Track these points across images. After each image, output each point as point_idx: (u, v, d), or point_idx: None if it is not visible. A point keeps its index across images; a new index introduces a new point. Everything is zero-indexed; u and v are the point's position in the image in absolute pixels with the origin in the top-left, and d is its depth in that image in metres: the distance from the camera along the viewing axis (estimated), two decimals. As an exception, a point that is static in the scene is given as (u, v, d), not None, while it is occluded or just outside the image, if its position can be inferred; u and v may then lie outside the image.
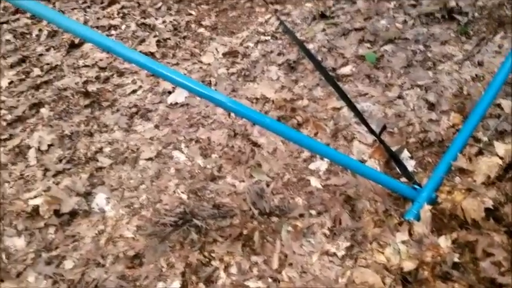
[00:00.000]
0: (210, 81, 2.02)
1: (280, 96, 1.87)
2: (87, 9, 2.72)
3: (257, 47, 2.19)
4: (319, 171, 1.55)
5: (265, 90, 1.91)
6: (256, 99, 1.90)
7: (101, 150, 1.75)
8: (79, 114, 1.94)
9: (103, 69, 2.18)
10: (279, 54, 2.12)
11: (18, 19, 2.71)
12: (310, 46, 2.08)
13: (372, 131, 1.53)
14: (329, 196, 1.46)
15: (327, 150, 1.40)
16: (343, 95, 1.63)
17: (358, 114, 1.59)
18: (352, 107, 1.62)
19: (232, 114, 1.84)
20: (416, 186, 1.41)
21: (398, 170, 1.46)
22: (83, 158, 1.72)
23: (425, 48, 1.96)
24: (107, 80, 2.12)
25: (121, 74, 2.14)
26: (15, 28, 2.62)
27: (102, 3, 2.73)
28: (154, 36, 2.29)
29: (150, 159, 1.70)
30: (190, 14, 2.50)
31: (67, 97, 2.04)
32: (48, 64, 2.28)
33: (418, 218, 1.35)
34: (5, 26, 2.66)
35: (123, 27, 2.49)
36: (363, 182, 1.46)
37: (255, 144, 1.69)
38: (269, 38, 2.23)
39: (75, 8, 2.75)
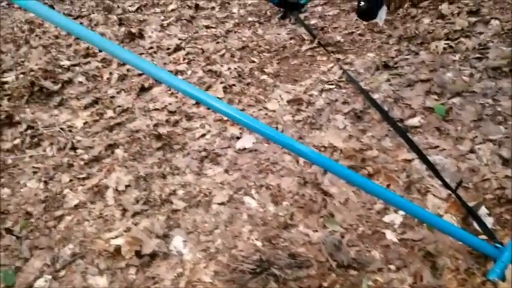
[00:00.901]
0: (277, 127, 2.08)
1: (348, 146, 1.89)
2: (154, 55, 2.88)
3: (321, 95, 2.25)
4: (394, 224, 1.55)
5: (332, 139, 1.95)
6: (324, 147, 1.93)
7: (174, 192, 1.81)
8: (152, 156, 2.02)
9: (172, 112, 2.29)
10: (344, 103, 2.17)
11: (89, 62, 2.90)
12: (375, 96, 2.12)
13: (447, 186, 1.53)
14: (407, 251, 1.45)
15: (405, 202, 1.41)
16: (414, 147, 1.64)
17: (432, 167, 1.60)
18: (424, 159, 1.63)
19: (301, 162, 1.87)
20: (498, 245, 1.39)
21: (477, 227, 1.45)
22: (158, 200, 1.78)
23: (494, 102, 1.96)
24: (176, 123, 2.21)
25: (190, 118, 2.23)
26: (87, 71, 2.79)
27: (168, 49, 2.89)
28: (221, 83, 2.39)
29: (223, 203, 1.74)
30: (253, 62, 2.60)
31: (139, 139, 2.14)
32: (119, 106, 2.41)
33: (502, 278, 1.32)
34: (77, 68, 2.84)
35: (189, 72, 2.61)
36: (441, 238, 1.45)
37: (326, 193, 1.71)
38: (333, 86, 2.29)
39: (142, 53, 2.92)
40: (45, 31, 3.45)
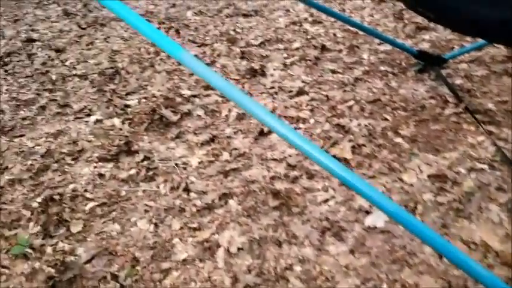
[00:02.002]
0: (416, 207, 1.78)
1: (506, 249, 1.54)
2: (275, 96, 2.74)
3: (470, 175, 1.91)
4: None
5: (485, 235, 1.61)
6: (475, 244, 1.60)
7: (291, 267, 1.60)
8: (267, 215, 1.83)
9: (292, 167, 2.09)
10: (498, 189, 1.81)
11: (209, 95, 2.83)
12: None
13: None
14: None
15: None
16: None
17: None
18: None
19: (445, 258, 1.56)
20: None
21: None
22: (272, 273, 1.57)
23: None
24: (295, 179, 2.01)
25: (311, 176, 2.02)
26: (207, 104, 2.72)
27: (290, 91, 2.73)
28: (349, 141, 2.15)
29: (347, 294, 1.48)
30: (386, 119, 2.34)
31: (255, 192, 1.96)
32: (236, 149, 2.28)
33: None
34: (197, 100, 2.79)
35: (312, 121, 2.42)
36: None
37: (480, 310, 1.38)
38: (485, 166, 1.94)
39: (263, 93, 2.79)
40: (170, 55, 3.49)
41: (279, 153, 2.19)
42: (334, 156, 2.06)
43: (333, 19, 3.78)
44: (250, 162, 2.17)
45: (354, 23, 2.94)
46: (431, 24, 3.33)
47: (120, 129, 2.55)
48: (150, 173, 2.15)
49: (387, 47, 3.13)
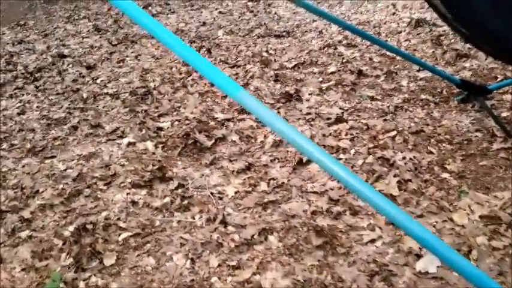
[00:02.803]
0: (470, 251, 1.66)
1: None
2: (312, 122, 2.65)
3: (527, 218, 1.78)
4: None
5: (551, 289, 1.48)
6: (539, 300, 1.47)
7: (339, 316, 1.49)
8: (310, 255, 1.74)
9: (334, 201, 1.99)
10: (560, 236, 1.68)
11: (243, 119, 2.76)
12: None
13: None
14: None
15: None
16: None
17: None
18: None
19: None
20: None
21: None
22: (319, 322, 1.47)
23: None
24: (338, 216, 1.91)
25: (355, 212, 1.92)
26: (241, 129, 2.65)
27: (328, 119, 2.64)
28: (395, 176, 2.05)
29: None
30: (431, 153, 2.23)
31: (296, 228, 1.87)
32: (274, 179, 2.19)
33: None
34: (231, 124, 2.72)
35: (352, 152, 2.32)
36: None
37: None
38: (543, 210, 1.81)
39: (299, 119, 2.71)
40: (202, 76, 3.45)
41: (319, 186, 2.10)
42: (379, 191, 1.96)
43: (368, 42, 3.71)
44: (290, 194, 2.08)
45: (392, 48, 2.85)
46: (472, 52, 3.22)
47: (153, 153, 2.49)
48: (185, 202, 2.08)
49: (427, 74, 3.03)
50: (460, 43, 3.37)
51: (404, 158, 2.16)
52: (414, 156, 2.18)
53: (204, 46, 4.10)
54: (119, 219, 2.02)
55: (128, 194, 2.18)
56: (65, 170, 2.40)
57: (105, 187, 2.24)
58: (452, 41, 3.45)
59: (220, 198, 2.11)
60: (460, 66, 3.08)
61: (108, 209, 2.09)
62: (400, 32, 3.90)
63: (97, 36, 4.81)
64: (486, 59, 3.09)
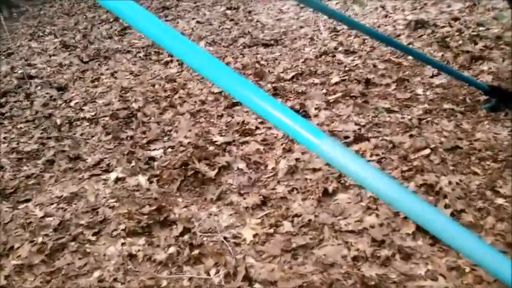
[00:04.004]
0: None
1: None
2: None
3: None
4: None
5: None
6: None
7: None
8: (365, 317, 1.39)
9: (378, 242, 1.65)
10: None
11: (247, 142, 2.41)
12: None
13: None
14: None
15: None
16: None
17: None
18: None
19: None
20: None
21: None
22: None
23: None
24: (387, 261, 1.57)
25: (407, 256, 1.58)
26: (247, 155, 2.29)
27: (346, 137, 2.32)
28: (446, 207, 1.73)
29: None
30: (476, 174, 1.93)
31: (339, 281, 1.52)
32: (298, 216, 1.84)
33: None
34: (234, 149, 2.36)
35: (383, 176, 1.99)
36: None
37: None
38: None
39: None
40: (190, 93, 3.07)
41: (354, 223, 1.76)
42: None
43: (368, 48, 3.43)
44: (321, 235, 1.73)
45: (410, 50, 2.57)
46: (486, 53, 2.97)
47: (148, 189, 2.10)
48: (195, 252, 1.71)
49: (442, 79, 2.76)
50: (471, 44, 3.11)
51: (450, 182, 1.84)
52: (461, 180, 1.87)
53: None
54: (115, 280, 1.63)
55: (123, 245, 1.79)
56: (44, 217, 1.99)
57: (94, 237, 1.84)
58: (461, 42, 3.20)
59: (237, 245, 1.74)
60: (477, 69, 2.81)
61: (101, 267, 1.69)
62: (399, 36, 3.63)
63: (66, 54, 4.34)
64: (504, 61, 2.84)
